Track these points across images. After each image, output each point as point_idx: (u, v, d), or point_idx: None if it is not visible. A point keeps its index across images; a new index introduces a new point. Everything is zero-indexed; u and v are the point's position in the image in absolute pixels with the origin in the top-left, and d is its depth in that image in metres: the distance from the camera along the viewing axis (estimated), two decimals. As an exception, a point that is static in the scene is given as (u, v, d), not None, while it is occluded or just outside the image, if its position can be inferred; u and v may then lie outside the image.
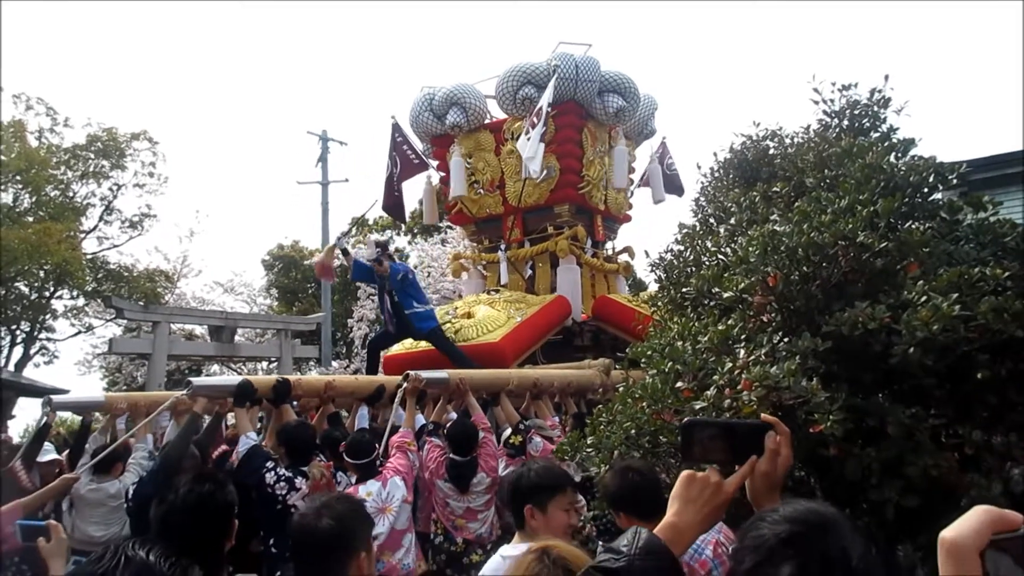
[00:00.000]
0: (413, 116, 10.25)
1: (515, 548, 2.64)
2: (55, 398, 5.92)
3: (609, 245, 10.79)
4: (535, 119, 8.45)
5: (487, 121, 10.11)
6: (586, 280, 9.71)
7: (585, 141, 9.68)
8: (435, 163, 10.65)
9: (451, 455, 4.96)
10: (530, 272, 10.00)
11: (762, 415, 1.56)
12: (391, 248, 8.34)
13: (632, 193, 10.91)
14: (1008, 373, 2.57)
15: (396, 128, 10.43)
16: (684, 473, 1.46)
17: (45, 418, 5.75)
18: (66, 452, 6.16)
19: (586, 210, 10.01)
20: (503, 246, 9.81)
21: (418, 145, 10.59)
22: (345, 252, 8.52)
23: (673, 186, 11.20)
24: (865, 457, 2.51)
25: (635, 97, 9.76)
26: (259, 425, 5.59)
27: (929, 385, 2.62)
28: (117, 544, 1.07)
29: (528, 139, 8.33)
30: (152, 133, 24.36)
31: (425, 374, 5.27)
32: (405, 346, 8.31)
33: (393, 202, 10.87)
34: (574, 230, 9.55)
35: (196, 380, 5.08)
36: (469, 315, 8.71)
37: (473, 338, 8.13)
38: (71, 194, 22.70)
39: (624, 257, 10.79)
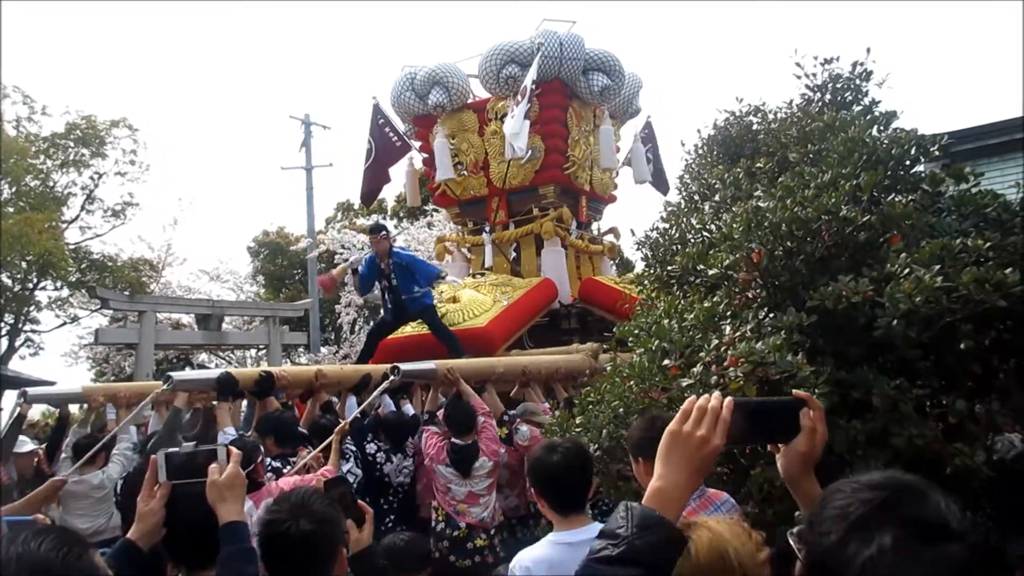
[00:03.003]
0: (394, 96, 10.03)
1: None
2: (31, 390, 5.81)
3: (595, 226, 10.72)
4: (520, 97, 8.34)
5: (470, 101, 9.92)
6: (571, 262, 9.62)
7: (570, 121, 9.56)
8: (418, 144, 10.45)
9: (452, 439, 4.94)
10: (514, 254, 9.89)
11: (793, 391, 1.47)
12: (383, 234, 7.92)
13: (617, 173, 10.80)
14: (991, 342, 2.60)
15: (377, 110, 10.18)
16: (668, 428, 1.37)
17: (19, 410, 5.65)
18: (43, 445, 6.08)
19: (571, 191, 9.88)
20: (488, 228, 9.66)
21: (400, 126, 10.40)
22: (355, 272, 8.41)
23: (658, 180, 11.05)
24: (851, 429, 2.54)
25: (620, 76, 9.63)
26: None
27: (913, 357, 2.64)
28: (9, 538, 1.03)
29: (512, 117, 8.24)
30: (132, 120, 24.01)
31: (412, 366, 5.19)
32: (395, 332, 8.12)
33: (372, 188, 10.67)
34: (559, 211, 9.44)
35: (176, 374, 4.97)
36: (455, 299, 8.56)
37: (459, 323, 7.97)
38: (51, 183, 22.39)
39: (609, 238, 10.74)
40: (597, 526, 2.31)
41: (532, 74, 8.40)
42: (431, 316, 7.69)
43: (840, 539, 0.99)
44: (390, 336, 8.03)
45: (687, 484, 1.32)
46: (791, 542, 1.20)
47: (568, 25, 9.48)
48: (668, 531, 1.25)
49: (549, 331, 8.94)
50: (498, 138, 9.23)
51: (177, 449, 1.92)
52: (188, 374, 5.59)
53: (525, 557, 2.30)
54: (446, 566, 4.72)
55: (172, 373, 5.02)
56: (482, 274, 9.35)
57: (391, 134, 10.15)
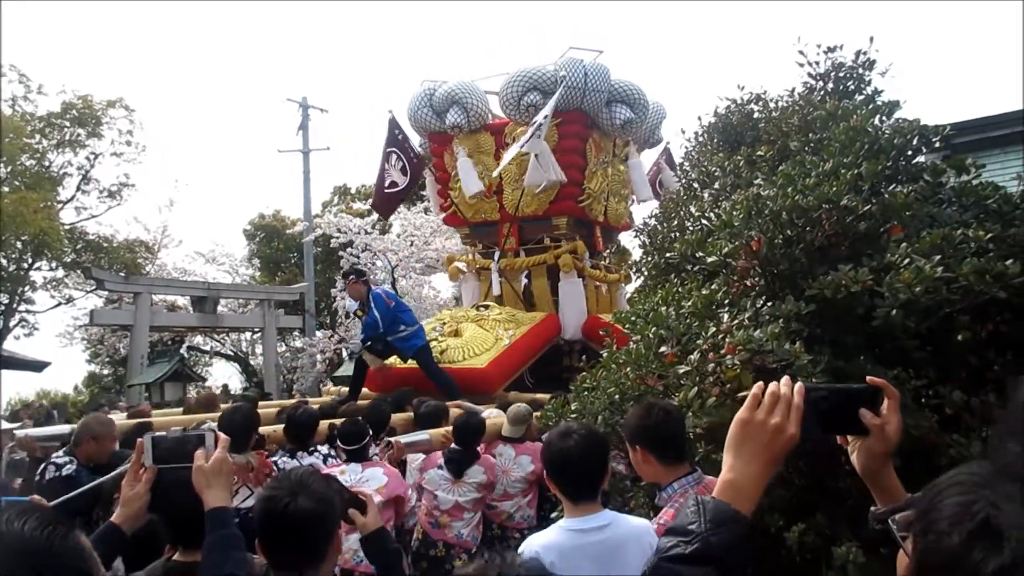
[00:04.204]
0: (411, 111, 9.83)
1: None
2: (18, 433, 5.55)
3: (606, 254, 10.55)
4: (531, 129, 8.09)
5: (489, 122, 9.73)
6: (590, 293, 9.48)
7: (589, 152, 9.38)
8: (433, 159, 10.30)
9: (453, 444, 4.80)
10: (525, 282, 9.70)
11: (868, 378, 1.33)
12: (351, 278, 7.57)
13: (633, 201, 10.65)
14: (988, 335, 2.60)
15: (394, 124, 9.96)
16: (737, 417, 1.26)
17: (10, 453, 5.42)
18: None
19: (585, 221, 9.75)
20: (496, 255, 9.49)
21: (414, 139, 10.27)
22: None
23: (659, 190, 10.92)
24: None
25: (643, 108, 9.44)
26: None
27: (910, 347, 2.64)
28: None
29: (524, 144, 8.00)
30: (128, 101, 24.00)
31: (406, 439, 4.95)
32: (392, 361, 7.81)
33: (389, 200, 10.56)
34: (573, 244, 9.28)
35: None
36: (457, 333, 8.38)
37: (459, 360, 7.70)
38: (47, 163, 22.30)
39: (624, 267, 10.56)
40: (609, 514, 2.30)
41: (547, 110, 8.14)
42: (424, 359, 7.44)
43: (963, 542, 0.86)
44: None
45: (761, 476, 1.23)
46: (892, 529, 1.09)
47: (594, 55, 9.25)
48: (745, 526, 1.17)
49: (551, 367, 8.73)
50: (514, 164, 8.99)
51: (164, 433, 1.91)
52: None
53: (535, 542, 2.28)
54: None
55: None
56: (486, 306, 9.08)
57: (411, 153, 9.99)
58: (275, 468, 4.34)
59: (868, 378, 1.33)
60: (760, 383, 1.28)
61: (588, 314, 9.33)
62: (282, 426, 4.90)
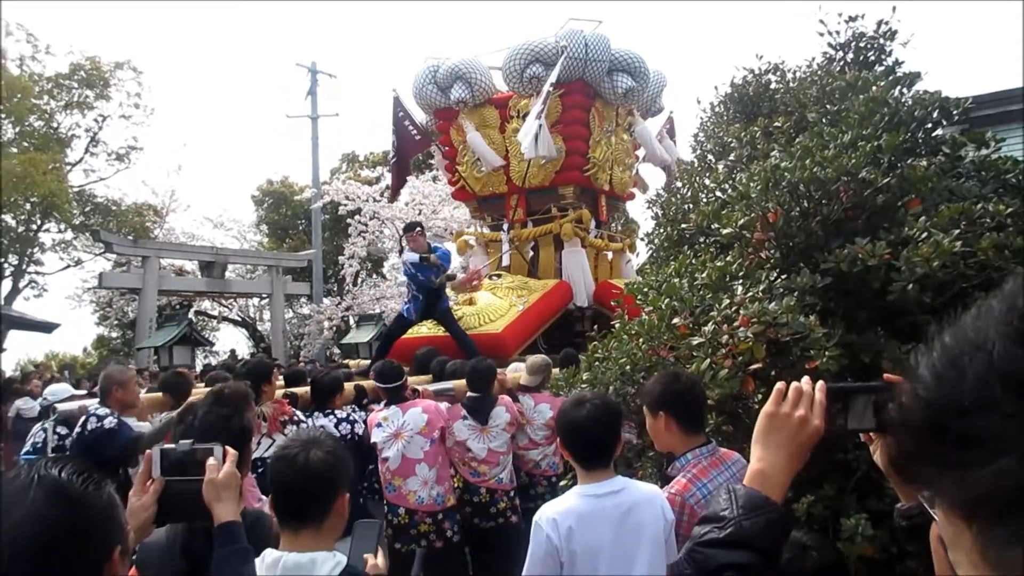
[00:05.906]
0: (416, 88, 9.92)
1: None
2: None
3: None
4: (538, 99, 8.24)
5: (493, 95, 9.76)
6: (589, 261, 9.50)
7: (592, 121, 9.42)
8: (439, 135, 10.38)
9: (469, 393, 4.92)
10: (531, 253, 9.82)
11: (885, 376, 1.35)
12: (419, 230, 7.55)
13: (637, 171, 10.71)
14: (1002, 310, 2.58)
15: (398, 103, 9.99)
16: (763, 411, 1.32)
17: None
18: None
19: (590, 191, 9.82)
20: (506, 226, 9.62)
21: (420, 116, 10.34)
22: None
23: (668, 169, 11.00)
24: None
25: (645, 77, 9.49)
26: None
27: (923, 322, 2.63)
28: (31, 463, 1.07)
29: (539, 116, 8.08)
30: (136, 63, 23.87)
31: (433, 387, 5.17)
32: (411, 331, 8.01)
33: (399, 186, 10.87)
34: (578, 213, 9.38)
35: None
36: (471, 301, 8.50)
37: (475, 327, 7.87)
38: (55, 125, 22.24)
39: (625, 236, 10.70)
40: (621, 479, 2.32)
41: (552, 77, 8.26)
42: (449, 319, 7.68)
43: None
44: (407, 336, 7.93)
45: (789, 466, 1.28)
46: (924, 504, 1.07)
47: (594, 25, 9.28)
48: (776, 512, 1.22)
49: (563, 333, 8.81)
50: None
51: (173, 446, 1.90)
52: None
53: (551, 510, 2.31)
54: (472, 530, 4.74)
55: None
56: (499, 275, 9.22)
57: (410, 127, 10.09)
58: (295, 413, 4.45)
59: (884, 375, 1.36)
60: (782, 383, 1.32)
61: (596, 282, 9.40)
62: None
